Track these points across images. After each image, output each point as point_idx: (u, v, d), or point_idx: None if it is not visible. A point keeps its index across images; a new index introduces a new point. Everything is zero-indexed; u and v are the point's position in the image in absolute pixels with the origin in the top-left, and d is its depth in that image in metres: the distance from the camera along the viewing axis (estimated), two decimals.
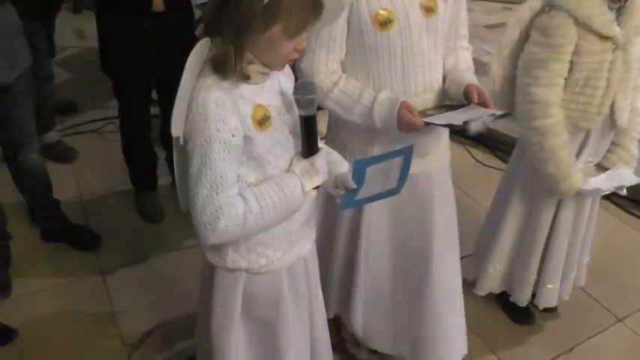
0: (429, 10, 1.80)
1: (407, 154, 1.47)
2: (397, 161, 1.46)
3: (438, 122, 1.73)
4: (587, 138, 2.15)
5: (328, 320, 1.85)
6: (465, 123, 1.73)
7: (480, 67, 2.07)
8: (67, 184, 3.28)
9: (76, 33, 4.98)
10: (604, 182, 2.15)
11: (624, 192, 2.21)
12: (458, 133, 3.31)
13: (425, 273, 2.03)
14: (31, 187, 2.79)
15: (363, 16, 1.76)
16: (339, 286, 2.16)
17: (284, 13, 1.29)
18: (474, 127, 1.80)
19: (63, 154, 3.54)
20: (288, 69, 1.51)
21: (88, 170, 3.48)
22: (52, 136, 3.55)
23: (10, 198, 2.76)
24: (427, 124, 1.72)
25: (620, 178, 2.15)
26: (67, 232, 2.92)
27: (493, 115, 1.76)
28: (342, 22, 1.77)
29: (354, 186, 1.41)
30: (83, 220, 3.07)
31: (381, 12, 1.76)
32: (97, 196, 3.28)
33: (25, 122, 2.59)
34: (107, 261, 2.82)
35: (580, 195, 2.19)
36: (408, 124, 1.73)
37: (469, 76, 1.89)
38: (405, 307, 2.10)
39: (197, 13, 3.42)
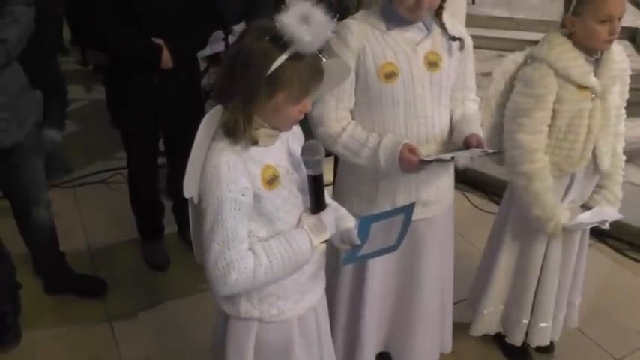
0: (432, 65, 1.87)
1: (408, 212, 1.54)
2: (399, 219, 1.53)
3: (430, 159, 1.83)
4: (572, 181, 2.23)
5: None
6: (453, 158, 1.83)
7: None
8: (75, 233, 3.34)
9: (84, 86, 5.08)
10: (587, 218, 2.23)
11: (607, 226, 2.27)
12: (456, 179, 3.38)
13: (413, 293, 2.17)
14: (39, 242, 2.80)
15: (369, 68, 1.83)
16: (346, 323, 2.21)
17: (286, 82, 1.35)
18: (462, 161, 1.90)
19: None
20: (297, 129, 1.58)
21: (96, 220, 3.52)
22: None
23: (17, 247, 2.77)
24: (421, 161, 1.81)
25: (604, 214, 2.23)
26: (73, 284, 2.93)
27: (482, 152, 1.85)
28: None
29: (359, 242, 1.49)
30: (91, 268, 3.10)
31: (386, 65, 1.82)
32: (104, 246, 3.31)
33: (36, 177, 2.59)
34: (114, 308, 2.85)
35: (568, 230, 2.26)
36: (407, 164, 1.82)
37: (474, 127, 1.95)
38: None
39: (202, 65, 3.55)
